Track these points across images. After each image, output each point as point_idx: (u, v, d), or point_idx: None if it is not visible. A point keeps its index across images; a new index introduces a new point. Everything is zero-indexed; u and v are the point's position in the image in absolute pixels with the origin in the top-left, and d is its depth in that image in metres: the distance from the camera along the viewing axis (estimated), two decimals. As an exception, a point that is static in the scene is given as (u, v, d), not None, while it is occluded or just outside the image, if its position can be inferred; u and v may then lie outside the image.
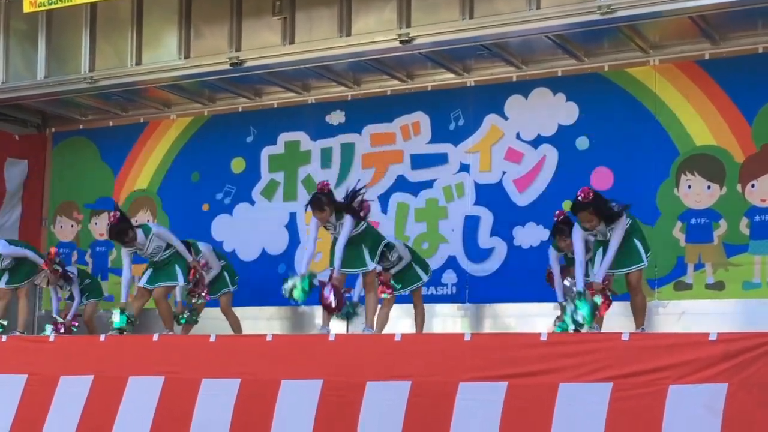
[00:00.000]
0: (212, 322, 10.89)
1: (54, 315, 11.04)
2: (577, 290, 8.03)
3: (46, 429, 8.69)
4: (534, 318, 9.99)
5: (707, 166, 9.73)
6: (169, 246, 9.78)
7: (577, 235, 8.30)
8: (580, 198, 8.15)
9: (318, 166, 11.52)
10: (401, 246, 9.79)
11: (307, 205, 9.12)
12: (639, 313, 8.32)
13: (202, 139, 12.23)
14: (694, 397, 6.58)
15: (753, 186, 9.57)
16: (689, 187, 9.81)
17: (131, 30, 11.40)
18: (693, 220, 9.72)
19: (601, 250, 8.24)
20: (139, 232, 9.69)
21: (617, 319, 9.44)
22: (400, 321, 10.08)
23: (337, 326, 9.18)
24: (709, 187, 9.73)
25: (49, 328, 10.62)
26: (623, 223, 8.18)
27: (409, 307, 10.24)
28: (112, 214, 9.81)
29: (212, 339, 8.64)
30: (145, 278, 9.82)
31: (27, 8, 10.77)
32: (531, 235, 10.33)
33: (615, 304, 9.28)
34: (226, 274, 10.75)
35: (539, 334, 7.49)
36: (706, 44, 9.79)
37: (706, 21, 9.31)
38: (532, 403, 7.03)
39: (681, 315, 9.54)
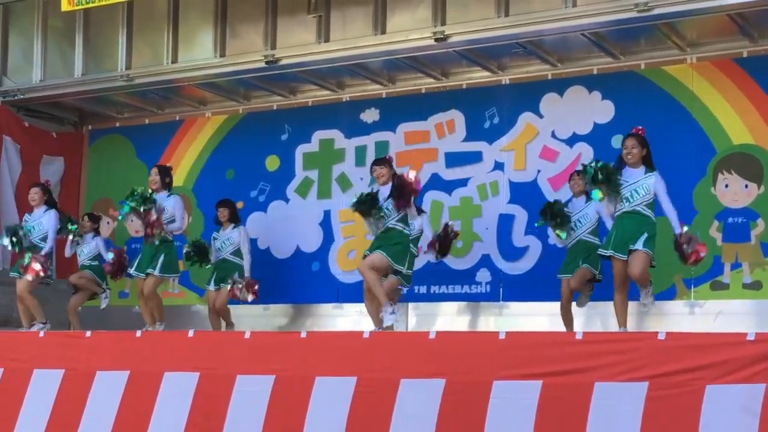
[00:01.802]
0: (247, 319, 10.94)
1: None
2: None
3: (83, 424, 8.76)
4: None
5: (745, 164, 9.65)
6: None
7: None
8: (633, 130, 8.47)
9: (353, 163, 11.54)
10: None
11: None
12: (621, 312, 8.39)
13: (237, 137, 12.28)
14: (731, 397, 6.53)
15: (792, 185, 9.49)
16: (726, 186, 9.73)
17: (167, 28, 11.50)
18: (730, 220, 9.64)
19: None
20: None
21: (646, 318, 9.44)
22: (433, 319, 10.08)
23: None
24: (746, 186, 9.65)
25: None
26: (662, 182, 8.28)
27: (433, 307, 10.29)
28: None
29: (247, 336, 8.68)
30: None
31: (65, 7, 10.87)
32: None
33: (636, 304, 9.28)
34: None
35: (574, 333, 7.46)
36: (744, 42, 9.71)
37: (744, 18, 9.24)
38: (567, 402, 7.01)
39: (718, 315, 9.46)
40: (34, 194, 10.86)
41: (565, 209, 9.55)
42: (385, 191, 8.99)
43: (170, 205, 10.01)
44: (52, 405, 9.01)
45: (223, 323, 10.90)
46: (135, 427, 8.52)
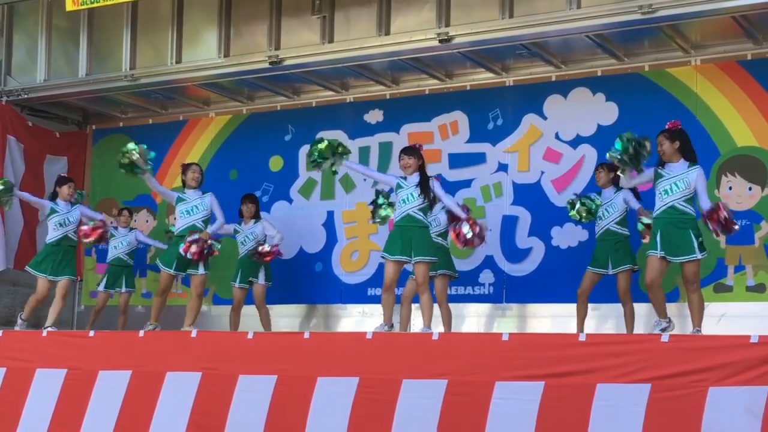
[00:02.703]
0: (250, 319, 10.93)
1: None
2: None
3: (86, 423, 8.78)
4: (571, 318, 9.92)
5: (748, 167, 9.63)
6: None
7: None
8: (668, 126, 8.31)
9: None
10: None
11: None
12: (696, 312, 8.14)
13: (240, 137, 12.29)
14: (734, 399, 6.54)
15: (795, 188, 9.48)
16: (730, 188, 9.72)
17: (171, 28, 11.51)
18: (734, 222, 9.62)
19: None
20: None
21: (649, 320, 9.41)
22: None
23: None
24: (750, 189, 9.64)
25: None
26: (702, 176, 8.14)
27: (436, 308, 10.27)
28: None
29: (250, 336, 8.69)
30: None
31: (69, 6, 10.88)
32: (569, 235, 10.29)
33: (646, 306, 9.29)
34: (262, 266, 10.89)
35: (577, 335, 7.47)
36: (748, 44, 9.70)
37: (749, 21, 9.22)
38: (569, 403, 7.02)
39: (721, 317, 9.44)
40: (74, 190, 10.82)
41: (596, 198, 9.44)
42: (412, 180, 8.87)
43: (207, 202, 10.05)
44: (54, 404, 9.02)
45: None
46: (137, 427, 8.54)
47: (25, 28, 12.50)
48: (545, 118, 10.64)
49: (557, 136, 10.57)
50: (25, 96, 12.34)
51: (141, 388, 8.71)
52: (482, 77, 11.03)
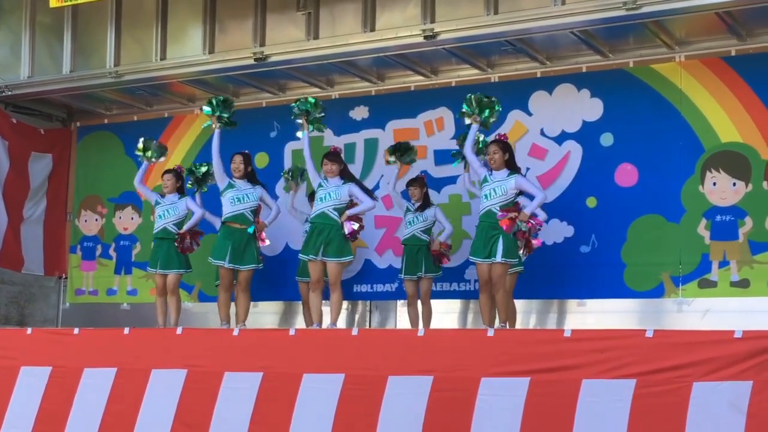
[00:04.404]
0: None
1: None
2: None
3: (70, 421, 8.76)
4: (557, 314, 9.97)
5: (733, 162, 9.66)
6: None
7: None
8: (497, 137, 9.30)
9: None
10: None
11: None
12: (501, 309, 8.78)
13: (226, 134, 12.21)
14: (718, 394, 6.56)
15: (779, 183, 9.51)
16: (714, 184, 9.75)
17: (156, 25, 11.47)
18: (718, 218, 9.66)
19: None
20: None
21: (634, 316, 9.47)
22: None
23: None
24: (734, 184, 9.67)
25: None
26: (523, 177, 9.03)
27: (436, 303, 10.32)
28: None
29: (235, 333, 8.68)
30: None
31: (53, 3, 10.85)
32: (554, 231, 10.29)
33: (631, 302, 9.33)
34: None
35: (563, 331, 7.48)
36: (732, 40, 9.73)
37: (733, 17, 9.26)
38: (555, 399, 7.03)
39: (706, 313, 9.48)
40: (167, 180, 10.64)
41: None
42: (334, 182, 9.50)
43: (257, 196, 10.02)
44: (39, 402, 9.00)
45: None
46: (122, 424, 8.52)
47: (9, 24, 12.44)
48: (530, 115, 10.65)
49: (542, 133, 10.58)
50: (9, 93, 12.29)
51: (126, 385, 8.69)
52: (467, 73, 11.04)
